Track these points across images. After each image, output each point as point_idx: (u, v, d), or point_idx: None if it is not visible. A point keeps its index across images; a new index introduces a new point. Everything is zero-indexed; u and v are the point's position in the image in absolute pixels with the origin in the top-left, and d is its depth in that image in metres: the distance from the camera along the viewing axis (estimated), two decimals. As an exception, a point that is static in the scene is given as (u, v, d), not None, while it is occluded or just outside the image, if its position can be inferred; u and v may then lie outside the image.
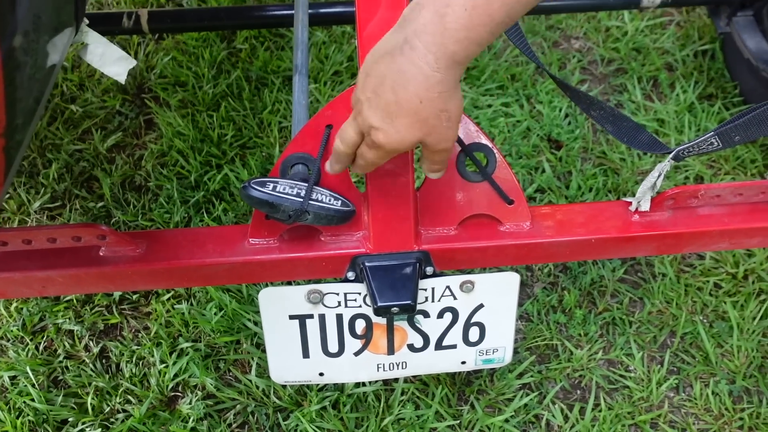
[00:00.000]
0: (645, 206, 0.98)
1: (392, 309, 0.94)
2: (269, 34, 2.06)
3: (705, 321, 1.53)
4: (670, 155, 0.91)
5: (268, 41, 2.04)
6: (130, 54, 1.92)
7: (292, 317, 1.02)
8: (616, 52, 2.05)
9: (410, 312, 0.96)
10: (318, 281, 1.00)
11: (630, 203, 1.00)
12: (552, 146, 1.83)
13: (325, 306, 1.00)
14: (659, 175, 0.93)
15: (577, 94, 0.94)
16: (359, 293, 0.99)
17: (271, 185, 0.87)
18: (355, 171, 0.84)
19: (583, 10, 1.94)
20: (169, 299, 1.53)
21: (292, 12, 1.61)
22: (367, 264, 0.96)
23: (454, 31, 0.64)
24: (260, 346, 1.46)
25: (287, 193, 0.87)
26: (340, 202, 0.91)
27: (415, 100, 0.68)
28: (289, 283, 1.23)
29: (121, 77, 0.85)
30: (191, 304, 1.52)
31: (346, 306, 1.01)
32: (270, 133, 1.82)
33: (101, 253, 0.95)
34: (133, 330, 1.52)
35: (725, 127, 0.85)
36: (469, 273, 1.00)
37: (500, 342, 1.08)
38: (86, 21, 0.77)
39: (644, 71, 1.99)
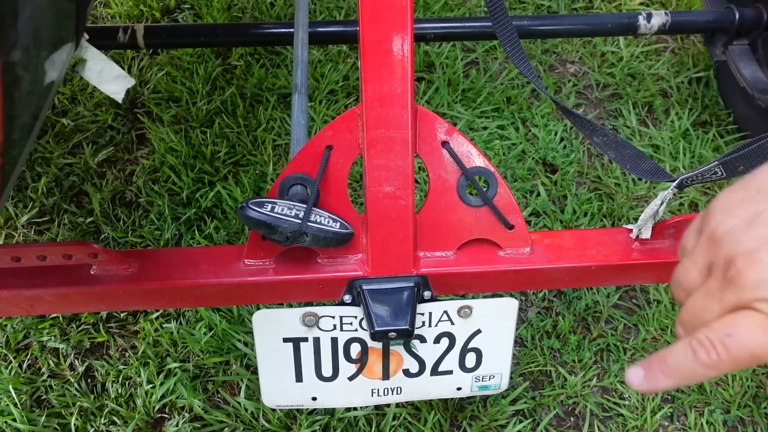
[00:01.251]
0: (646, 234, 0.97)
1: (390, 334, 0.92)
2: (265, 52, 2.05)
3: (700, 349, 1.52)
4: (674, 184, 0.90)
5: (264, 59, 2.03)
6: (123, 68, 1.90)
7: (286, 340, 0.99)
8: (611, 78, 2.06)
9: (408, 337, 0.94)
10: (313, 303, 0.98)
11: (631, 230, 0.99)
12: (547, 170, 1.83)
13: (320, 329, 0.98)
14: (662, 203, 0.92)
15: (580, 120, 0.94)
16: (355, 317, 0.97)
17: (269, 206, 0.85)
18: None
19: (579, 35, 1.96)
20: (157, 318, 1.50)
21: (289, 30, 1.61)
22: (364, 287, 0.94)
23: None
24: (250, 368, 1.43)
25: (285, 215, 0.85)
26: (338, 224, 0.89)
27: None
28: (281, 306, 1.21)
29: (119, 96, 0.84)
30: (180, 324, 1.49)
31: (341, 329, 0.99)
32: (264, 150, 1.80)
33: (92, 272, 0.92)
34: (120, 349, 1.48)
35: (729, 157, 0.84)
36: (466, 298, 0.99)
37: (497, 368, 1.07)
38: (86, 36, 0.76)
39: (639, 97, 2.00)
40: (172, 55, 2.03)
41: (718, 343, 0.45)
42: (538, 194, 1.74)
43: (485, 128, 1.89)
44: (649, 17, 1.71)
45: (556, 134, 1.88)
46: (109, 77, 0.80)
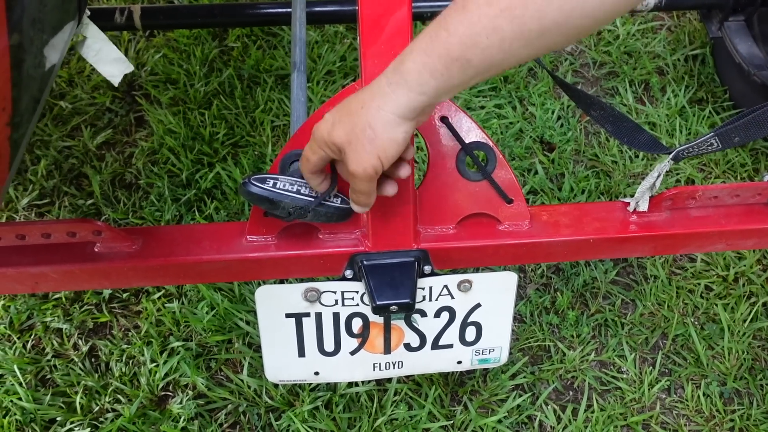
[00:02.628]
0: (643, 207, 0.98)
1: (391, 308, 0.93)
2: (262, 33, 2.05)
3: (696, 323, 1.54)
4: (670, 156, 0.91)
5: (261, 40, 2.02)
6: (120, 51, 1.90)
7: (288, 316, 1.01)
8: (607, 56, 2.06)
9: (409, 311, 0.95)
10: (314, 279, 1.00)
11: (628, 204, 1.00)
12: (544, 148, 1.83)
13: (322, 304, 1.00)
14: (658, 176, 0.93)
15: (577, 94, 0.95)
16: (356, 292, 0.99)
17: (272, 182, 0.86)
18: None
19: (576, 13, 1.95)
20: (159, 298, 1.51)
21: (287, 10, 1.60)
22: (365, 262, 0.95)
23: (413, 53, 0.69)
24: (252, 346, 1.45)
25: (287, 190, 0.86)
26: (339, 199, 0.90)
27: (359, 103, 0.72)
28: (280, 282, 1.22)
29: (116, 79, 0.84)
30: (182, 303, 1.50)
31: (343, 305, 1.00)
32: (262, 131, 1.81)
33: (96, 250, 0.93)
34: (123, 329, 1.50)
35: (725, 128, 0.85)
36: (466, 272, 1.00)
37: (497, 342, 1.08)
38: (88, 13, 0.76)
39: (636, 75, 2.01)
40: (169, 37, 2.03)
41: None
42: (536, 172, 1.75)
43: (482, 107, 1.89)
44: (645, -6, 1.71)
45: (553, 113, 1.89)
46: (107, 59, 0.80)
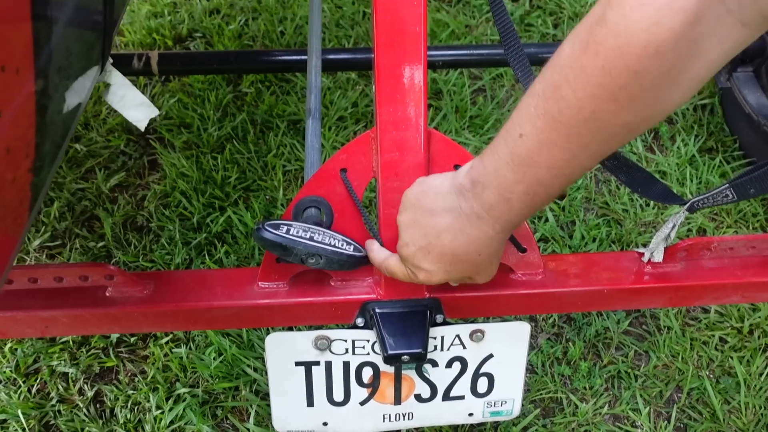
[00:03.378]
0: (658, 257, 0.98)
1: (403, 357, 0.92)
2: (275, 79, 2.08)
3: (711, 376, 1.51)
4: (685, 207, 0.90)
5: (274, 86, 2.05)
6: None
7: (298, 364, 0.99)
8: (617, 105, 2.07)
9: (421, 361, 0.94)
10: (325, 327, 0.99)
11: (642, 254, 1.00)
12: (555, 196, 1.83)
13: (332, 353, 0.98)
14: (673, 227, 0.93)
15: (591, 144, 0.95)
16: (367, 340, 0.97)
17: (285, 228, 0.86)
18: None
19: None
20: (167, 342, 1.50)
21: (300, 57, 1.63)
22: (377, 310, 0.94)
23: (518, 210, 0.72)
24: (259, 393, 1.43)
25: (301, 237, 0.86)
26: (352, 247, 0.90)
27: (475, 254, 0.78)
28: (290, 329, 1.21)
29: (142, 124, 0.85)
30: (190, 348, 1.49)
31: (353, 353, 0.99)
32: (274, 176, 1.82)
33: (107, 294, 0.93)
34: (130, 374, 1.48)
35: (740, 180, 0.85)
36: (478, 322, 0.99)
37: (509, 394, 1.06)
38: (111, 60, 0.78)
39: (645, 124, 2.01)
40: (184, 82, 2.06)
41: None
42: (546, 219, 1.75)
43: (493, 155, 1.90)
44: (655, 45, 1.73)
45: (563, 161, 1.89)
46: (132, 103, 0.81)
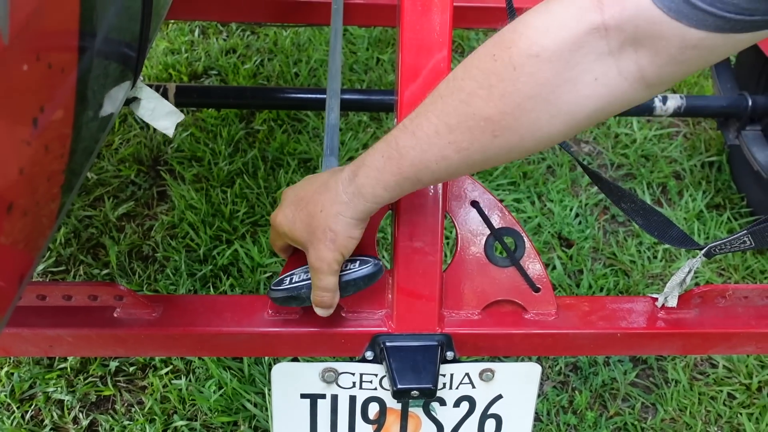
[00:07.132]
0: (672, 302, 0.97)
1: (412, 392, 0.90)
2: (287, 118, 2.10)
3: (719, 432, 1.48)
4: (702, 252, 0.90)
5: (287, 124, 2.08)
6: (150, 127, 1.95)
7: (303, 396, 0.97)
8: (625, 158, 2.09)
9: (430, 397, 0.92)
10: (332, 359, 0.97)
11: (656, 299, 0.99)
12: (563, 244, 1.83)
13: (339, 386, 0.96)
14: (689, 271, 0.92)
15: (608, 186, 0.95)
16: (375, 375, 0.96)
17: (287, 280, 0.89)
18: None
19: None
20: (167, 373, 1.47)
21: (313, 96, 1.66)
22: (387, 344, 0.93)
23: (367, 168, 0.76)
24: (258, 430, 1.40)
25: (302, 280, 0.88)
26: (357, 262, 0.88)
27: (318, 206, 0.80)
28: (296, 360, 1.19)
29: (170, 131, 0.86)
30: (190, 380, 1.46)
31: (360, 388, 0.97)
32: (282, 212, 1.82)
33: (115, 315, 0.91)
34: (126, 404, 1.45)
35: (758, 227, 0.85)
36: (488, 361, 0.97)
37: (517, 437, 1.04)
38: (141, 77, 0.79)
39: (653, 177, 2.03)
40: (197, 116, 2.09)
41: None
42: (554, 267, 1.74)
43: (501, 201, 1.91)
44: (665, 99, 1.76)
45: (571, 210, 1.90)
46: (161, 114, 0.83)
